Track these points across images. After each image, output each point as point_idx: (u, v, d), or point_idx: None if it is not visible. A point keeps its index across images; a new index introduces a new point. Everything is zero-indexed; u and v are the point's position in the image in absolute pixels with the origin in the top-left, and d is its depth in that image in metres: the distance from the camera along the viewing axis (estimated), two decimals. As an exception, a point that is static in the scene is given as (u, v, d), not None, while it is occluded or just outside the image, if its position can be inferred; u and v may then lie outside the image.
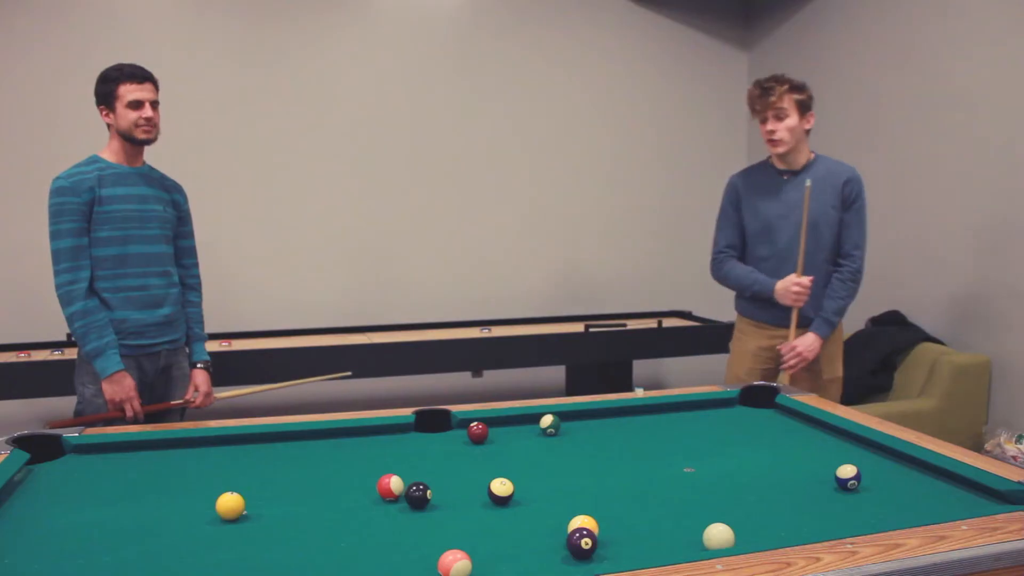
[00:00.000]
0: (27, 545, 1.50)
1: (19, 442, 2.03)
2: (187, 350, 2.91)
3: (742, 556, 1.34)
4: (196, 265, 2.93)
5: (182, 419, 2.85)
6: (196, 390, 2.83)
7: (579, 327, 4.64)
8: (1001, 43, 3.68)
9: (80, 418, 2.57)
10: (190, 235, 2.90)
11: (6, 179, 4.36)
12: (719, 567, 1.30)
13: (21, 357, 3.87)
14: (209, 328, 4.46)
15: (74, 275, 2.55)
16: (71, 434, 2.13)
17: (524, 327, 4.79)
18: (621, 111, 5.29)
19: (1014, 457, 3.45)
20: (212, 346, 4.13)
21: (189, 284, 2.90)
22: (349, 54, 4.82)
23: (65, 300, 2.56)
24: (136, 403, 2.61)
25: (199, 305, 2.94)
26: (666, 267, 5.45)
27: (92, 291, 2.59)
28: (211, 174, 4.66)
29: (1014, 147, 3.65)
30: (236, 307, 4.73)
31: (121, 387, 2.58)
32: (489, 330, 4.65)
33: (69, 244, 2.54)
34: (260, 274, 4.79)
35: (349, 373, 3.38)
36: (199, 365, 2.88)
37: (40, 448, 2.03)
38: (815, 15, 4.87)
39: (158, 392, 2.77)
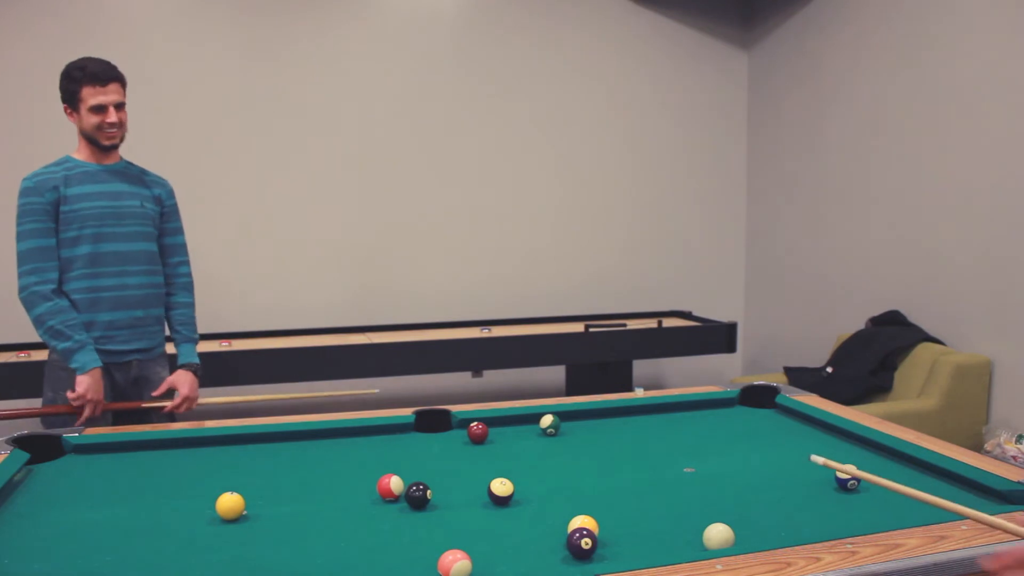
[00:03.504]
0: (27, 545, 1.50)
1: (19, 442, 2.03)
2: (166, 356, 2.75)
3: (742, 556, 1.34)
4: (186, 263, 2.77)
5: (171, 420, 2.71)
6: (176, 391, 2.64)
7: (579, 327, 4.64)
8: (1002, 42, 3.68)
9: (30, 409, 2.47)
10: (177, 231, 2.74)
11: (6, 179, 4.35)
12: (719, 567, 1.30)
13: (21, 357, 3.87)
14: (209, 328, 4.51)
15: (40, 276, 2.45)
16: (71, 434, 2.13)
17: (524, 327, 4.79)
18: (621, 111, 5.29)
19: (1014, 457, 3.45)
20: (212, 346, 4.15)
21: (178, 283, 2.74)
22: (350, 53, 4.82)
23: (30, 302, 2.45)
24: (100, 407, 2.47)
25: (190, 306, 2.77)
26: (666, 267, 5.45)
27: (61, 292, 2.48)
28: (213, 173, 4.67)
29: (1015, 146, 3.65)
30: (237, 307, 4.73)
31: (97, 384, 2.45)
32: (489, 330, 4.65)
33: (33, 245, 2.45)
34: (260, 274, 4.79)
35: (376, 391, 3.31)
36: (186, 367, 2.68)
37: (40, 448, 2.03)
38: (815, 15, 4.87)
39: (131, 401, 2.62)
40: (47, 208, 2.46)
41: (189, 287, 2.78)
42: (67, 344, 2.45)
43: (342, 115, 4.84)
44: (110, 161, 2.59)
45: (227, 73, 4.66)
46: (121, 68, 2.59)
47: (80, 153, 2.57)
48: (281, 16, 4.70)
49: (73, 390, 2.46)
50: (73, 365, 2.45)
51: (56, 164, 2.54)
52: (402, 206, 4.98)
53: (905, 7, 4.21)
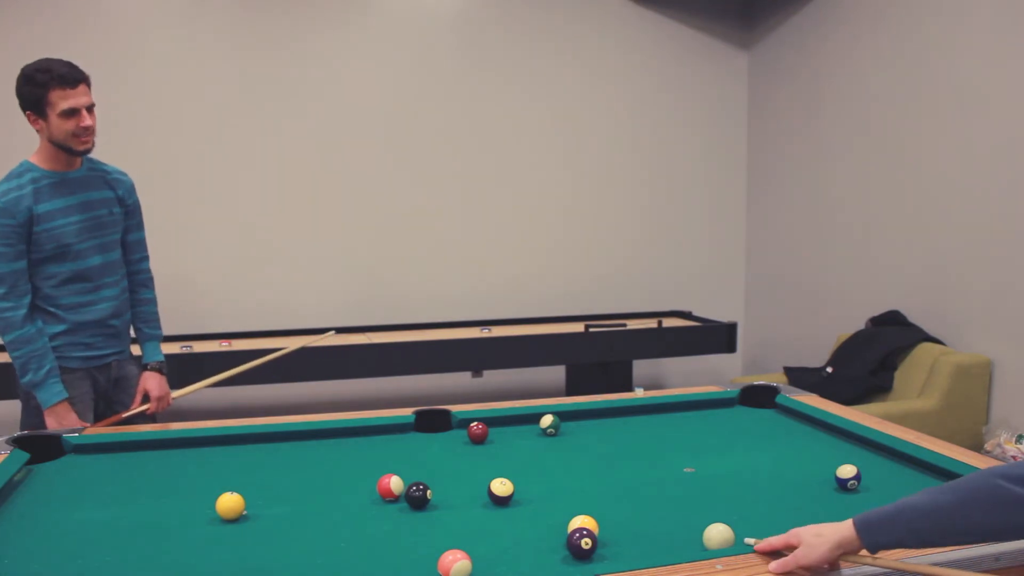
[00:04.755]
0: (27, 545, 1.50)
1: (19, 442, 2.03)
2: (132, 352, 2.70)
3: (742, 556, 1.34)
4: (147, 259, 2.70)
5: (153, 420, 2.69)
6: (148, 395, 2.61)
7: (579, 327, 4.64)
8: (1001, 41, 3.68)
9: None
10: (139, 227, 2.65)
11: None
12: (719, 567, 1.30)
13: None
14: (209, 327, 4.52)
15: (14, 301, 2.35)
16: (71, 434, 2.13)
17: (524, 327, 4.79)
18: (621, 111, 5.29)
19: (1014, 457, 3.45)
20: (212, 346, 4.15)
21: (140, 280, 2.67)
22: (352, 52, 4.82)
23: (2, 326, 2.37)
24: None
25: (153, 302, 2.71)
26: (666, 267, 5.45)
27: (35, 309, 2.42)
28: (213, 173, 4.67)
29: (1015, 146, 3.65)
30: (237, 307, 4.73)
31: (67, 420, 2.39)
32: (489, 330, 4.65)
33: (6, 269, 2.34)
34: (261, 274, 4.79)
35: (332, 332, 3.31)
36: (151, 367, 2.64)
37: (40, 448, 2.03)
38: (815, 15, 4.87)
39: (113, 401, 2.62)
40: (18, 230, 2.33)
41: (150, 283, 2.72)
42: (29, 378, 2.38)
43: (343, 115, 4.84)
44: (75, 167, 2.46)
45: (228, 74, 4.66)
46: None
47: (42, 160, 2.41)
48: (283, 15, 4.69)
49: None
50: (38, 400, 2.40)
51: (19, 176, 2.38)
52: (403, 206, 4.98)
53: (905, 7, 4.21)
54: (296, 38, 4.73)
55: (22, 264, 2.37)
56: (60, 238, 2.40)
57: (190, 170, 4.65)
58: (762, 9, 5.32)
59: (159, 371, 2.65)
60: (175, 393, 2.69)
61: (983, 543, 1.27)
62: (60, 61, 2.33)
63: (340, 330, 4.64)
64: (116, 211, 2.55)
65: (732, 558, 1.33)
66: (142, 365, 2.66)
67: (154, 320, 2.72)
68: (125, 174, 2.62)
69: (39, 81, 2.29)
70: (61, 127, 2.32)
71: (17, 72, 2.35)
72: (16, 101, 2.36)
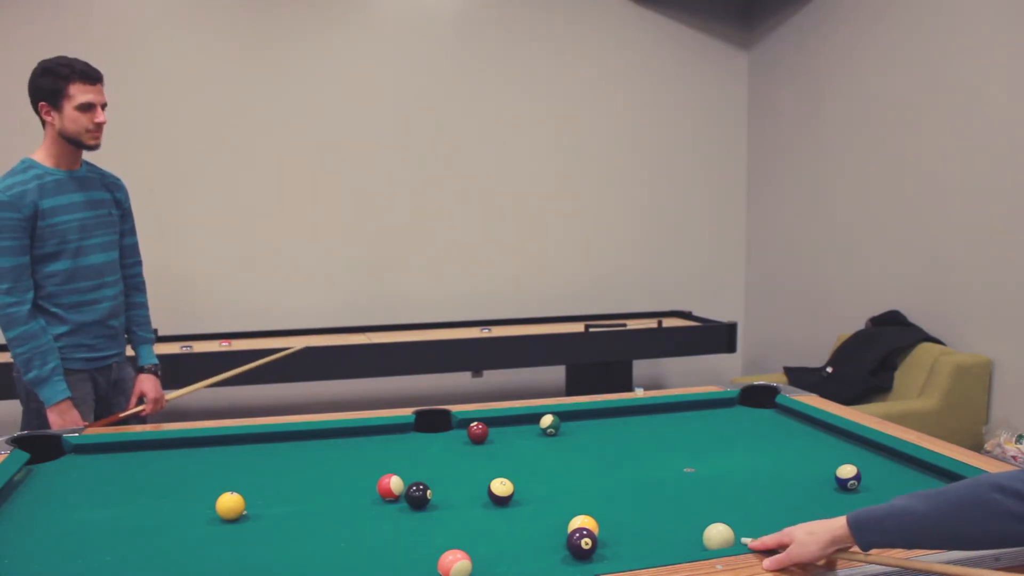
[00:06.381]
0: (27, 545, 1.50)
1: (19, 442, 2.03)
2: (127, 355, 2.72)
3: (742, 556, 1.34)
4: (140, 263, 2.73)
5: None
6: (144, 396, 2.63)
7: (579, 327, 4.64)
8: (1002, 42, 3.68)
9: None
10: (132, 232, 2.69)
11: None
12: (719, 567, 1.30)
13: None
14: (209, 328, 4.52)
15: (18, 296, 2.35)
16: (71, 434, 2.13)
17: (524, 327, 4.79)
18: (621, 111, 5.29)
19: (1014, 457, 3.45)
20: (212, 346, 4.15)
21: (134, 284, 2.70)
22: (349, 49, 4.81)
23: (6, 322, 2.36)
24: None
25: (145, 306, 2.75)
26: (666, 267, 5.45)
27: (37, 310, 2.42)
28: (214, 174, 4.67)
29: (1015, 147, 3.65)
30: (237, 307, 4.73)
31: (70, 418, 2.39)
32: (489, 330, 4.65)
33: (11, 263, 2.33)
34: (261, 274, 4.79)
35: (301, 347, 3.32)
36: (147, 369, 2.67)
37: (40, 448, 2.03)
38: (815, 15, 4.87)
39: (111, 403, 2.64)
40: (24, 224, 2.34)
41: (144, 287, 2.75)
42: (34, 374, 2.38)
43: (344, 115, 4.84)
44: (76, 166, 2.49)
45: (228, 74, 4.66)
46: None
47: (45, 157, 2.43)
48: (283, 15, 4.69)
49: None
50: (41, 397, 2.40)
51: (23, 171, 2.39)
52: (402, 206, 4.98)
53: (905, 7, 4.21)
54: (296, 38, 4.73)
55: (26, 259, 2.38)
56: (64, 234, 2.41)
57: (190, 170, 4.65)
58: (762, 9, 5.32)
59: (154, 374, 2.69)
60: (168, 395, 2.71)
61: (976, 550, 1.27)
62: (80, 60, 2.40)
63: (340, 330, 4.65)
64: (115, 212, 2.59)
65: (732, 558, 1.33)
66: (137, 368, 2.69)
67: (147, 323, 2.76)
68: (119, 179, 2.66)
69: (61, 74, 2.35)
70: (77, 120, 2.37)
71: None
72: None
